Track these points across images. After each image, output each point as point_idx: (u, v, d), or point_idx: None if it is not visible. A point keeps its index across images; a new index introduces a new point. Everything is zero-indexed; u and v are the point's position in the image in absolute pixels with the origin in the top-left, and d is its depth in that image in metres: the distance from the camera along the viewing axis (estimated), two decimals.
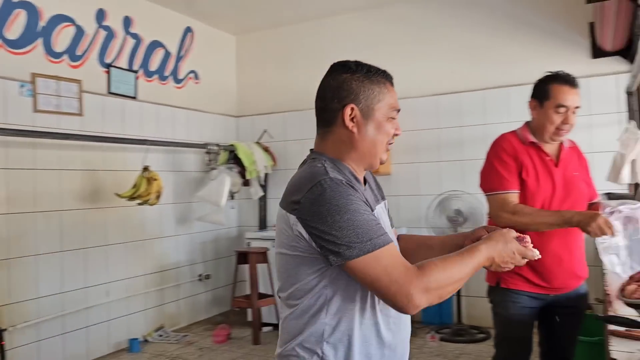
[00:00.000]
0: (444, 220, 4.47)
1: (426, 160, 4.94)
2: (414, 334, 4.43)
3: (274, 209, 5.51)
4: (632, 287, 1.44)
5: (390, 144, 1.37)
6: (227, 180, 4.83)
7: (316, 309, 1.28)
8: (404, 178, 5.02)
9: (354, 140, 1.33)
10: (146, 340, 4.50)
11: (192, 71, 5.25)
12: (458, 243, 1.42)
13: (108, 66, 4.36)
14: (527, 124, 2.30)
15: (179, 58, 5.10)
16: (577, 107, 2.15)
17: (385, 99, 1.35)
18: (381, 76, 1.37)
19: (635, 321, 1.43)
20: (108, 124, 4.31)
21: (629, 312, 1.48)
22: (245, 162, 5.10)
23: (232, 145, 5.21)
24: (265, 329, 4.70)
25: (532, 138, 2.22)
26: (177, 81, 5.09)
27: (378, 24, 5.13)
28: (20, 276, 3.62)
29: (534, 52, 4.50)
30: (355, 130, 1.32)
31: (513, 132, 2.31)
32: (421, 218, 4.80)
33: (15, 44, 3.66)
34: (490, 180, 2.21)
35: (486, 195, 2.23)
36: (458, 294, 4.50)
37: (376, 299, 1.30)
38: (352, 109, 1.32)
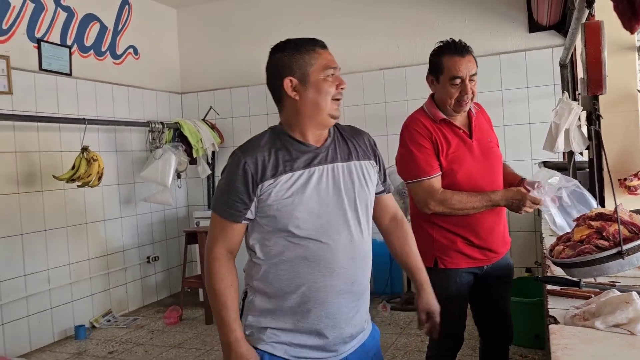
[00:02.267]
0: (394, 193, 4.52)
1: (373, 134, 4.94)
2: None
3: None
4: (560, 247, 1.49)
5: (337, 99, 1.49)
6: (172, 159, 4.70)
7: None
8: None
9: (298, 107, 1.48)
10: (94, 326, 4.37)
11: (131, 46, 5.04)
12: (412, 280, 1.78)
13: (38, 41, 4.12)
14: (432, 98, 2.21)
15: (116, 32, 4.87)
16: (473, 75, 2.08)
17: (317, 62, 1.49)
18: (309, 44, 1.52)
19: (570, 280, 1.48)
20: (41, 102, 4.09)
21: (562, 273, 1.53)
22: (192, 140, 4.98)
23: (176, 122, 5.06)
24: None
25: (442, 115, 2.14)
26: (116, 57, 4.87)
27: None
28: None
29: (474, 26, 4.57)
30: (298, 97, 1.48)
31: (421, 110, 2.22)
32: None
33: None
34: (411, 167, 2.12)
35: (408, 183, 2.15)
36: None
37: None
38: (290, 80, 1.48)
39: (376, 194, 1.64)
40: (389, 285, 4.80)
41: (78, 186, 4.07)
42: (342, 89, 1.50)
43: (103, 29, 4.73)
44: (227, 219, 1.48)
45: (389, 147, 4.86)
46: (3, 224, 3.75)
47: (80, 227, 4.37)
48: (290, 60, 1.49)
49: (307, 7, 5.11)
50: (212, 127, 5.32)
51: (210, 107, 5.43)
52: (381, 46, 4.89)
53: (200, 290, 4.73)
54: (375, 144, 1.65)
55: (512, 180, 2.27)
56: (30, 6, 4.05)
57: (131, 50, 5.04)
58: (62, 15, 4.33)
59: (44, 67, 4.14)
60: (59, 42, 4.29)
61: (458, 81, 2.06)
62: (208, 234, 1.53)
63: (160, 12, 5.45)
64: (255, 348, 1.48)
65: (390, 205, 1.72)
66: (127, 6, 5.00)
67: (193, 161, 5.11)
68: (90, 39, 4.60)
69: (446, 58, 2.08)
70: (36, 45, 4.10)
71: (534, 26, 4.40)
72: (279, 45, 1.55)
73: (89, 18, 4.59)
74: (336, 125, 1.58)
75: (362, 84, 4.93)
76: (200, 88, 5.59)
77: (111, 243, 4.65)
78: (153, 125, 4.87)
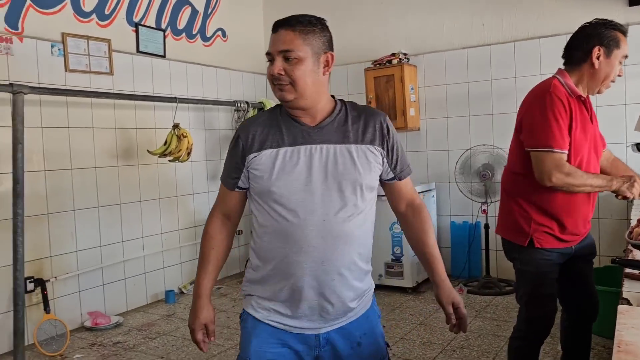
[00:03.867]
0: (473, 175, 4.44)
1: (455, 115, 4.86)
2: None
3: None
4: (639, 229, 1.43)
5: (273, 84, 1.51)
6: None
7: None
8: (433, 133, 4.97)
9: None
10: (182, 292, 4.70)
11: (220, 29, 5.25)
12: (429, 272, 1.68)
13: (136, 25, 4.41)
14: (565, 73, 2.13)
15: (206, 16, 5.10)
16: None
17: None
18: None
19: None
20: (138, 82, 4.40)
21: None
22: None
23: (261, 102, 5.24)
24: None
25: (579, 91, 2.08)
26: (205, 39, 5.11)
27: None
28: (59, 230, 3.80)
29: (566, 0, 4.32)
30: None
31: (556, 81, 2.11)
32: (450, 173, 4.78)
33: (44, 4, 3.74)
34: (546, 136, 2.02)
35: (536, 150, 2.05)
36: (486, 247, 4.51)
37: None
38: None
39: (386, 180, 1.62)
40: (467, 269, 4.74)
41: (169, 161, 4.36)
42: (272, 75, 1.48)
43: (194, 13, 4.97)
44: (224, 186, 1.61)
45: (471, 128, 4.76)
46: (104, 194, 4.11)
47: (172, 200, 4.68)
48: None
49: None
50: None
51: None
52: (465, 24, 4.76)
53: None
54: (388, 129, 1.58)
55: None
56: None
57: (220, 32, 5.26)
58: (157, 1, 4.60)
59: (140, 49, 4.44)
60: (154, 26, 4.58)
61: (622, 61, 2.11)
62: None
63: None
64: (244, 310, 1.62)
65: (406, 191, 1.67)
66: None
67: None
68: (182, 22, 4.85)
69: (621, 36, 2.09)
70: (134, 29, 4.40)
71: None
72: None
73: (182, 3, 4.84)
74: (347, 105, 1.58)
75: (445, 63, 4.84)
76: None
77: (199, 215, 4.94)
78: (239, 105, 5.07)
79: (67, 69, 3.85)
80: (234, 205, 1.63)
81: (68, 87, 3.83)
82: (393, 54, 4.85)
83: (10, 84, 3.15)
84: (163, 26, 4.66)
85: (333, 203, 1.49)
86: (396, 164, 1.60)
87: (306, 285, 1.49)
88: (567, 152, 2.04)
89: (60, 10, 3.84)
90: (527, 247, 2.15)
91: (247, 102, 5.15)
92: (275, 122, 1.54)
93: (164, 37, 4.66)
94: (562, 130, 2.01)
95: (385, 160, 1.57)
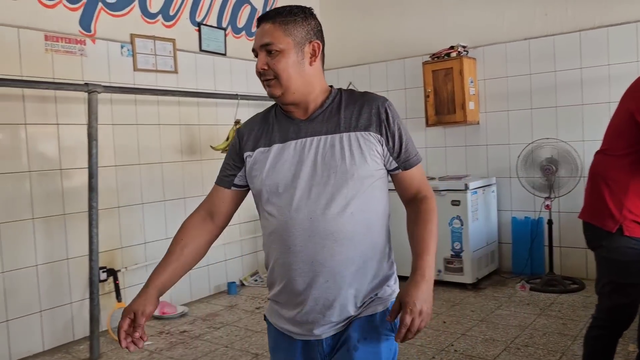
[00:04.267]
0: (536, 169, 4.33)
1: (516, 108, 4.74)
2: (502, 283, 4.44)
3: None
4: None
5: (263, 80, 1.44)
6: None
7: None
8: (493, 127, 4.86)
9: None
10: (243, 284, 4.82)
11: None
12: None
13: (199, 24, 4.55)
14: None
15: None
16: None
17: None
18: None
19: None
20: (201, 80, 4.53)
21: None
22: None
23: None
24: None
25: None
26: None
27: None
28: (129, 223, 3.98)
29: None
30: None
31: None
32: (511, 168, 4.67)
33: (114, 7, 3.91)
34: None
35: None
36: (550, 244, 4.39)
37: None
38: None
39: (390, 171, 1.48)
40: (529, 265, 4.62)
41: None
42: (257, 72, 1.43)
43: (253, 11, 5.07)
44: (216, 184, 1.55)
45: (533, 121, 4.63)
46: (169, 189, 4.26)
47: None
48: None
49: None
50: None
51: (350, 83, 5.57)
52: (526, 14, 4.62)
53: None
54: (387, 114, 1.43)
55: None
56: None
57: None
58: (218, 1, 4.71)
59: (203, 48, 4.57)
60: (215, 25, 4.70)
61: None
62: None
63: None
64: (265, 315, 1.58)
65: (410, 183, 1.49)
66: None
67: None
68: (242, 20, 4.96)
69: None
70: (197, 28, 4.53)
71: None
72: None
73: (241, 2, 4.94)
74: (342, 93, 1.49)
75: (505, 55, 4.73)
76: (340, 65, 5.75)
77: None
78: None
79: (135, 68, 4.02)
80: (220, 203, 1.54)
81: (137, 86, 3.99)
82: (452, 47, 4.77)
83: (85, 83, 3.33)
84: (224, 25, 4.78)
85: (320, 199, 1.37)
86: (400, 151, 1.45)
87: (299, 288, 1.41)
88: None
89: (129, 12, 4.00)
90: (615, 234, 2.10)
91: None
92: (269, 120, 1.51)
93: (225, 35, 4.77)
94: None
95: (385, 147, 1.43)
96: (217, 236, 1.57)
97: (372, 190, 1.42)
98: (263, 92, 1.50)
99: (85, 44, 3.70)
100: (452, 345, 3.27)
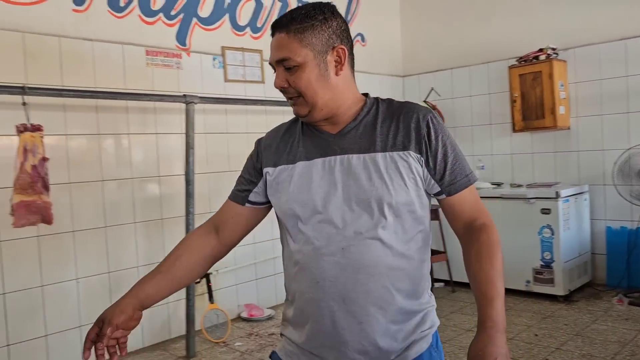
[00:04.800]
0: (634, 176, 4.09)
1: (611, 112, 4.50)
2: (597, 296, 4.22)
3: None
4: None
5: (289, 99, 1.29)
6: None
7: None
8: (586, 132, 4.64)
9: None
10: None
11: (359, 34, 5.37)
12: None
13: None
14: None
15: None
16: None
17: None
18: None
19: None
20: None
21: None
22: None
23: None
24: (436, 284, 4.78)
25: None
26: None
27: None
28: None
29: None
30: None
31: None
32: (605, 175, 4.44)
33: (207, 21, 4.10)
34: None
35: None
36: None
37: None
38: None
39: (434, 195, 1.29)
40: (626, 278, 4.36)
41: None
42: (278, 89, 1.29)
43: None
44: (229, 198, 1.40)
45: (630, 126, 4.38)
46: None
47: None
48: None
49: None
50: (433, 108, 5.41)
51: (432, 89, 5.51)
52: (622, 13, 4.38)
53: (444, 263, 4.82)
54: (429, 128, 1.23)
55: None
56: (278, 5, 4.61)
57: (359, 37, 5.37)
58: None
59: None
60: None
61: None
62: None
63: None
64: (273, 352, 1.40)
65: (460, 210, 1.28)
66: None
67: None
68: None
69: None
70: None
71: None
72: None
73: None
74: (379, 104, 1.30)
75: (599, 56, 4.51)
76: (421, 70, 5.70)
77: None
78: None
79: (225, 79, 4.19)
80: (230, 219, 1.38)
81: (227, 96, 4.16)
82: (540, 50, 4.61)
83: (183, 95, 3.51)
84: None
85: (355, 228, 1.20)
86: (443, 173, 1.25)
87: (327, 328, 1.22)
88: None
89: (219, 26, 4.18)
90: None
91: None
92: (294, 133, 1.33)
93: None
94: None
95: (425, 169, 1.24)
96: (220, 254, 1.40)
97: (412, 217, 1.24)
98: None
99: (181, 57, 3.91)
100: (547, 359, 3.16)
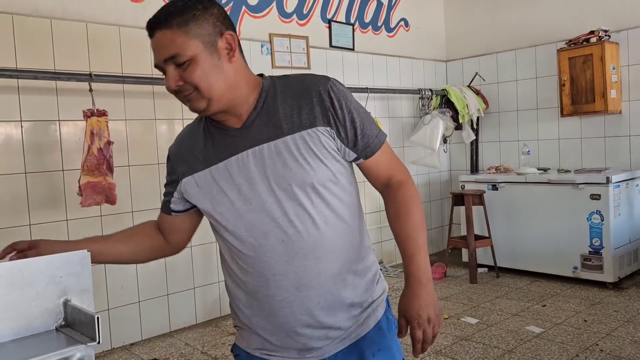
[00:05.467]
0: None
1: None
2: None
3: (487, 153, 5.47)
4: None
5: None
6: (440, 124, 4.93)
7: None
8: (638, 116, 4.53)
9: None
10: None
11: (403, 19, 5.36)
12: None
13: (329, 21, 4.71)
14: None
15: (390, 7, 5.25)
16: None
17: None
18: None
19: None
20: (331, 74, 4.65)
21: None
22: (458, 106, 5.12)
23: (444, 89, 5.25)
24: (480, 269, 4.78)
25: None
26: (389, 30, 5.26)
27: None
28: None
29: None
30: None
31: None
32: None
33: (255, 9, 4.18)
34: None
35: None
36: None
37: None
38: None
39: (353, 161, 1.29)
40: None
41: None
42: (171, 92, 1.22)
43: (379, 5, 5.15)
44: (160, 209, 1.40)
45: None
46: None
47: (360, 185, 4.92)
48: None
49: None
50: (477, 93, 5.37)
51: (476, 73, 5.46)
52: None
53: (464, 251, 4.90)
54: (332, 98, 1.21)
55: None
56: None
57: (402, 22, 5.37)
58: None
59: (333, 44, 4.74)
60: (344, 21, 4.84)
61: None
62: None
63: None
64: (235, 344, 1.39)
65: (377, 170, 1.31)
66: None
67: (458, 127, 5.25)
68: (368, 16, 5.06)
69: None
70: (327, 25, 4.70)
71: None
72: None
73: None
74: (276, 85, 1.25)
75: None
76: (465, 55, 5.65)
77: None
78: (423, 93, 5.14)
79: (273, 66, 4.27)
80: (166, 224, 1.40)
81: None
82: (592, 32, 4.51)
83: None
84: (352, 21, 4.91)
85: (288, 217, 1.19)
86: (355, 140, 1.24)
87: (289, 319, 1.24)
88: None
89: (267, 13, 4.26)
90: None
91: (430, 90, 5.19)
92: (200, 136, 1.29)
93: (353, 31, 4.90)
94: None
95: (338, 140, 1.23)
96: (168, 253, 1.44)
97: (339, 191, 1.24)
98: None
99: None
100: (597, 344, 3.14)
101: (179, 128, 3.72)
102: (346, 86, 4.23)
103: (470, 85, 5.45)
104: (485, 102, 5.38)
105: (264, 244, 1.20)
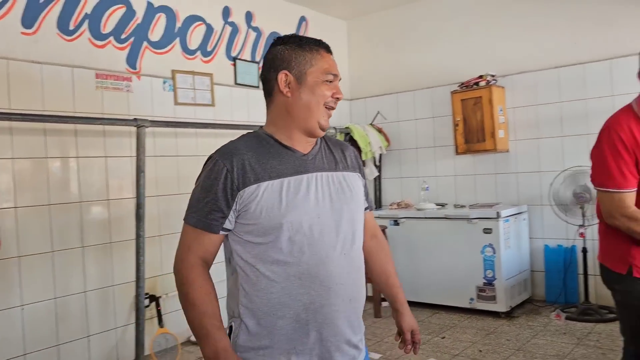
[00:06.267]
0: (569, 197, 4.35)
1: (547, 136, 4.78)
2: (536, 311, 4.43)
3: (389, 189, 5.66)
4: None
5: (330, 108, 1.44)
6: None
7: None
8: (524, 155, 4.91)
9: (289, 105, 1.43)
10: None
11: None
12: (392, 300, 1.71)
13: (234, 59, 4.73)
14: None
15: None
16: None
17: (318, 64, 1.44)
18: (313, 44, 1.47)
19: None
20: (236, 111, 4.69)
21: None
22: (361, 144, 5.28)
23: (347, 127, 5.41)
24: (384, 303, 4.87)
25: None
26: None
27: None
28: (170, 250, 4.09)
29: None
30: (289, 95, 1.42)
31: (629, 110, 1.99)
32: (542, 195, 4.71)
33: (158, 45, 4.11)
34: (603, 174, 1.96)
35: (597, 189, 2.00)
36: (585, 272, 4.38)
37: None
38: (286, 74, 1.42)
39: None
40: (563, 294, 4.60)
41: None
42: (337, 98, 1.44)
43: None
44: (202, 229, 1.35)
45: (564, 149, 4.66)
46: None
47: None
48: (290, 54, 1.43)
49: (473, 8, 5.11)
50: (380, 131, 5.58)
51: (378, 112, 5.69)
52: (556, 43, 4.69)
53: (369, 285, 4.97)
54: (359, 161, 1.59)
55: None
56: (229, 30, 4.68)
57: None
58: (252, 35, 4.91)
59: (238, 81, 4.75)
60: (249, 59, 4.88)
61: None
62: (179, 244, 1.41)
63: (332, 25, 5.87)
64: None
65: (372, 223, 1.68)
66: (304, 22, 5.48)
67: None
68: None
69: None
70: (232, 62, 4.72)
71: None
72: (283, 37, 1.48)
73: (273, 35, 5.12)
74: (323, 137, 1.53)
75: (535, 83, 4.80)
76: (368, 94, 5.88)
77: None
78: (327, 131, 5.24)
79: (175, 102, 4.20)
80: (214, 251, 1.40)
81: (177, 119, 4.16)
82: (480, 76, 4.87)
83: (134, 118, 3.49)
84: (257, 59, 4.96)
85: (346, 234, 1.41)
86: (367, 193, 1.62)
87: (338, 330, 1.39)
88: (630, 190, 1.90)
89: (170, 49, 4.20)
90: (626, 276, 1.94)
91: (335, 128, 5.32)
92: (263, 149, 1.40)
93: (258, 69, 4.95)
94: (624, 167, 1.89)
95: (363, 188, 1.58)
96: None
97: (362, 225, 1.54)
98: None
99: (131, 81, 3.90)
100: None
101: (73, 166, 3.53)
102: (251, 124, 4.23)
103: (373, 123, 5.66)
104: (387, 139, 5.60)
105: (331, 254, 1.36)
